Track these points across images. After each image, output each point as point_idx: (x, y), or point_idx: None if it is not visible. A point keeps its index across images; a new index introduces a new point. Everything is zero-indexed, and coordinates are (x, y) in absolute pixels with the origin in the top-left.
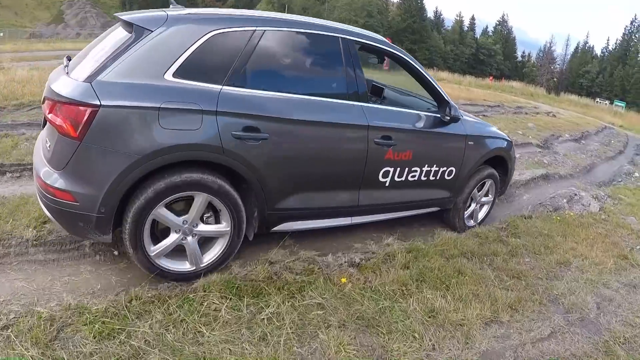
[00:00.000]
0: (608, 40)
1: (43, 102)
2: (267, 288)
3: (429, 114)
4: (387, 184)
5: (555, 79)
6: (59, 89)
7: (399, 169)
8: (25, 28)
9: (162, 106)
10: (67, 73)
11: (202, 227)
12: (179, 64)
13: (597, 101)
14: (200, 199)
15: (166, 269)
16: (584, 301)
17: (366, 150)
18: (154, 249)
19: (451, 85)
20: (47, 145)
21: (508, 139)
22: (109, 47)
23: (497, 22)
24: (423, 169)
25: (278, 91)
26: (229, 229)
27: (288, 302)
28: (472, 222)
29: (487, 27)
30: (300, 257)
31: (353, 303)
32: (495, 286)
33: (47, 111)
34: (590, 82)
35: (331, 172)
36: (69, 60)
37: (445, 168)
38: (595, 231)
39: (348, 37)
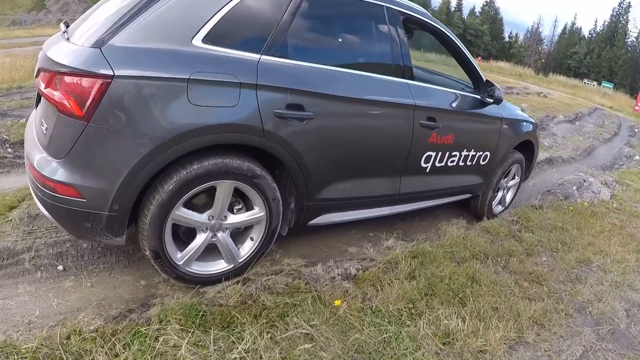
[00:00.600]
0: (596, 21)
1: (37, 76)
2: (239, 316)
3: (469, 94)
4: (427, 170)
5: (542, 60)
6: (59, 57)
7: (440, 153)
8: (6, 15)
9: (191, 77)
10: (67, 39)
11: (233, 219)
12: (210, 28)
13: (585, 82)
14: (223, 188)
15: (200, 274)
16: (612, 309)
17: (411, 132)
18: (180, 257)
19: (439, 66)
20: (43, 127)
21: (534, 121)
22: (122, 7)
23: (485, 3)
24: (462, 153)
25: (321, 63)
26: (263, 213)
27: (267, 333)
28: (500, 208)
29: (474, 7)
30: (284, 269)
31: (350, 331)
32: (516, 295)
33: (43, 85)
34: (577, 64)
35: (375, 157)
36: (67, 26)
37: (481, 153)
38: (610, 222)
39: (393, 6)
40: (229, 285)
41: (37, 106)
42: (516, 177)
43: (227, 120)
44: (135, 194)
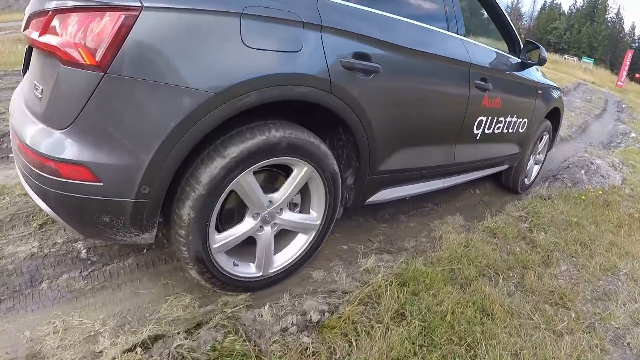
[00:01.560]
0: None
1: (26, 27)
2: None
3: (511, 56)
4: (478, 137)
5: (523, 36)
6: None
7: (489, 118)
8: None
9: (244, 12)
10: None
11: (288, 216)
12: None
13: (565, 58)
14: (302, 172)
15: (231, 273)
16: None
17: (467, 94)
18: (219, 239)
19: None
20: (37, 92)
21: (560, 88)
22: None
23: None
24: (507, 119)
25: (383, 10)
26: (319, 222)
27: None
28: (527, 181)
29: None
30: (213, 315)
31: None
32: (539, 328)
33: (37, 33)
34: (557, 39)
35: (435, 120)
36: None
37: (521, 119)
38: (626, 212)
39: None
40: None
41: (25, 71)
42: (545, 147)
43: (289, 69)
44: (172, 171)
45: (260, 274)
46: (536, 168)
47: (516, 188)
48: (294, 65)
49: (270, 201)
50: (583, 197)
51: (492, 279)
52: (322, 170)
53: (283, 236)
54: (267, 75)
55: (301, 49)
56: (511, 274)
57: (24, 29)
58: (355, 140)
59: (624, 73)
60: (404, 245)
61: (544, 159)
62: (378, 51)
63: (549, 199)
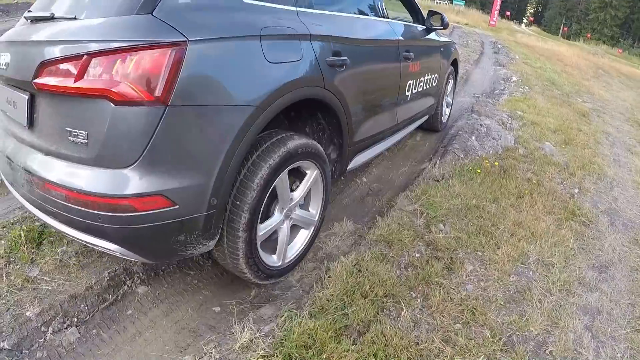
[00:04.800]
0: None
1: (37, 76)
2: None
3: (418, 25)
4: (409, 98)
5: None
6: (86, 36)
7: (414, 80)
8: None
9: (262, 33)
10: (53, 18)
11: (299, 212)
12: None
13: (437, 2)
14: (313, 174)
15: (266, 264)
16: (575, 334)
17: (400, 65)
18: (261, 228)
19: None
20: (77, 137)
21: (454, 42)
22: None
23: None
24: (425, 78)
25: (338, 11)
26: (316, 218)
27: None
28: (443, 120)
29: None
30: None
31: None
32: None
33: (74, 77)
34: None
35: (382, 92)
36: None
37: (434, 75)
38: (525, 178)
39: None
40: None
41: (31, 124)
42: (452, 90)
43: (299, 74)
44: (232, 178)
45: (280, 263)
46: (447, 110)
47: (437, 128)
48: (300, 71)
49: (292, 198)
50: (478, 170)
51: (393, 312)
52: (322, 170)
53: (293, 230)
54: (286, 83)
55: (302, 57)
56: (414, 295)
57: (34, 79)
58: (339, 121)
59: (496, 13)
60: (287, 281)
61: (452, 101)
62: (344, 47)
63: (442, 179)
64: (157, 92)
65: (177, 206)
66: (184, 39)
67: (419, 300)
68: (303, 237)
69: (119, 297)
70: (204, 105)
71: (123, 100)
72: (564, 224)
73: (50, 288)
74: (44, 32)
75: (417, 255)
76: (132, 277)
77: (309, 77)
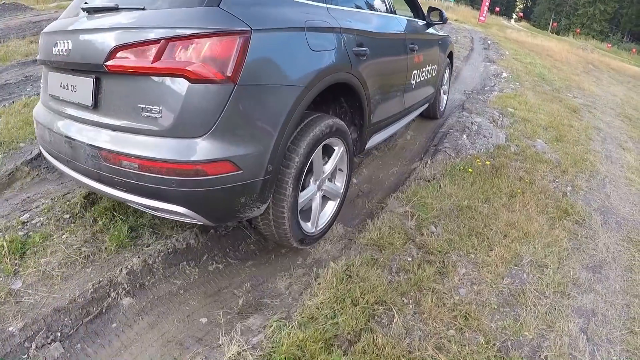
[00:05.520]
0: None
1: (109, 59)
2: None
3: (419, 20)
4: (414, 86)
5: None
6: (164, 22)
7: (418, 70)
8: None
9: (306, 25)
10: (117, 7)
11: (328, 184)
12: None
13: None
14: (340, 150)
15: (304, 229)
16: (570, 338)
17: (407, 56)
18: (301, 195)
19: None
20: (151, 112)
21: (449, 35)
22: None
23: None
24: (426, 68)
25: (357, 8)
26: (342, 190)
27: None
28: (441, 108)
29: None
30: None
31: None
32: None
33: (152, 58)
34: None
35: (394, 80)
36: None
37: (434, 66)
38: (517, 176)
39: None
40: None
41: (96, 103)
42: (448, 80)
43: (334, 61)
44: (285, 148)
45: (313, 230)
46: (445, 97)
47: (436, 115)
48: (335, 58)
49: (324, 170)
50: (470, 169)
51: (384, 319)
52: (348, 147)
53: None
54: (325, 68)
55: (335, 47)
56: (405, 301)
57: (105, 61)
58: (361, 104)
59: (485, 8)
60: (276, 289)
61: (449, 89)
62: (365, 39)
63: (434, 179)
64: (228, 72)
65: (241, 171)
66: (249, 28)
67: (411, 306)
68: (331, 207)
69: (104, 310)
70: (264, 84)
71: (198, 79)
72: (557, 224)
73: (33, 301)
74: (111, 20)
75: (409, 259)
76: (117, 288)
77: (341, 64)
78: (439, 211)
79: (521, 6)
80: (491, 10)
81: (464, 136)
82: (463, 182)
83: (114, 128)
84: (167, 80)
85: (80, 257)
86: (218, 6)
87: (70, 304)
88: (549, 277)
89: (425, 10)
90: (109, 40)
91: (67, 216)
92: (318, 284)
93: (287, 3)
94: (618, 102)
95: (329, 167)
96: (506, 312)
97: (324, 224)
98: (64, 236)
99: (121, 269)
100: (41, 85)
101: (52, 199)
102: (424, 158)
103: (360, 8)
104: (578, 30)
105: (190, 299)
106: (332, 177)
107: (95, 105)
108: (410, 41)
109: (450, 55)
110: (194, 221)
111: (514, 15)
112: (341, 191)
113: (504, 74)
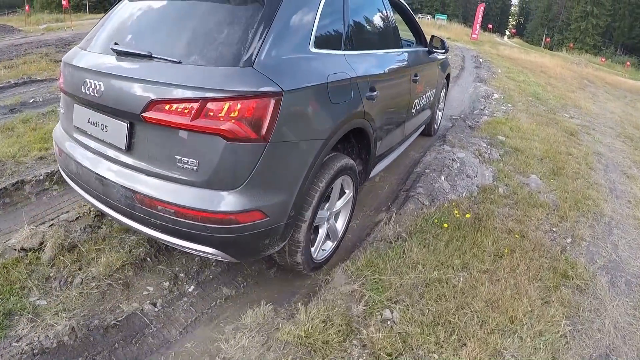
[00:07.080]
0: None
1: (146, 110)
2: None
3: (421, 48)
4: (414, 114)
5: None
6: (202, 82)
7: (418, 99)
8: None
9: (328, 80)
10: (151, 56)
11: (332, 222)
12: (315, 32)
13: (420, 17)
14: (351, 184)
15: (321, 259)
16: None
17: (410, 87)
18: (313, 250)
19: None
20: (188, 164)
21: (447, 57)
22: (228, 20)
23: None
24: (425, 95)
25: (368, 49)
26: (352, 192)
27: None
28: (436, 127)
29: None
30: None
31: None
32: None
33: (190, 116)
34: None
35: (398, 112)
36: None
37: (432, 91)
38: (505, 228)
39: None
40: None
41: (129, 147)
42: (443, 99)
43: (351, 111)
44: (304, 195)
45: (336, 242)
46: (440, 114)
47: (430, 133)
48: (351, 107)
49: (328, 209)
50: (445, 225)
51: None
52: (354, 179)
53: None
54: (344, 119)
55: (352, 97)
56: None
57: (142, 112)
58: (369, 141)
59: (478, 26)
60: None
61: (444, 107)
62: (376, 81)
63: (397, 240)
64: (262, 132)
65: (268, 218)
66: (280, 90)
67: None
68: (329, 245)
69: None
70: (291, 141)
71: (234, 138)
72: (553, 296)
73: None
74: (146, 70)
75: None
76: None
77: (356, 112)
78: (399, 289)
79: (514, 23)
80: (484, 27)
81: (442, 177)
82: (435, 241)
83: (148, 173)
84: (204, 137)
85: None
86: (252, 67)
87: None
88: None
89: (428, 38)
90: (147, 92)
91: None
92: None
93: (313, 57)
94: (617, 119)
95: (341, 202)
96: None
97: (325, 255)
98: None
99: None
100: (61, 111)
101: None
102: (391, 207)
103: (372, 47)
104: (571, 44)
105: None
106: (335, 216)
107: (129, 148)
108: (414, 73)
109: (448, 76)
110: (218, 258)
111: (507, 32)
112: (339, 234)
113: (495, 95)
